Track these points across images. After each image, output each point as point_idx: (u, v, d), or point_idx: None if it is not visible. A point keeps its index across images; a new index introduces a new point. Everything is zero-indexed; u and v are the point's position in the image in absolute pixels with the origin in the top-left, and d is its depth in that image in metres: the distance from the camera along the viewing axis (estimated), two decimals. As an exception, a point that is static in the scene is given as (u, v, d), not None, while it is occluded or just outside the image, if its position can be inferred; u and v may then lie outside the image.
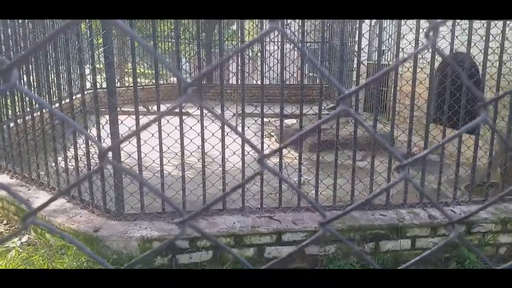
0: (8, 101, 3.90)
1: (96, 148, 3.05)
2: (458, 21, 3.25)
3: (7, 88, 0.58)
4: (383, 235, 3.02)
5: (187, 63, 12.13)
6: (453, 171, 3.35)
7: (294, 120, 6.56)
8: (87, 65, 3.43)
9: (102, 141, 2.98)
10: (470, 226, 3.15)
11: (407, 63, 4.83)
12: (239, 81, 3.16)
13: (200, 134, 2.96)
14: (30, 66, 3.66)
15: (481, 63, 3.20)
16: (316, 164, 3.17)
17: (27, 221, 0.65)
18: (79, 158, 3.15)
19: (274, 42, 11.04)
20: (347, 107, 0.64)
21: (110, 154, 0.62)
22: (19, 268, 2.59)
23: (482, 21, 3.41)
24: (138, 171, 2.96)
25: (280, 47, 3.12)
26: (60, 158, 3.35)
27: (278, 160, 3.13)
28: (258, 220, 3.00)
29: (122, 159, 2.98)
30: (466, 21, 3.27)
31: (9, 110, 3.93)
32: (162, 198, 0.72)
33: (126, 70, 11.97)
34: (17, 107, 3.79)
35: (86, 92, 3.18)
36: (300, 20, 3.58)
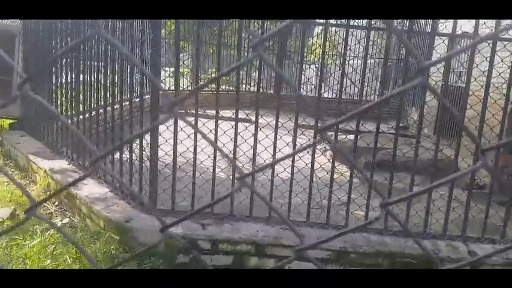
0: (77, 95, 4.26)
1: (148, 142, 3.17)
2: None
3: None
4: (414, 265, 2.81)
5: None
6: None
7: (351, 136, 6.39)
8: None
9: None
10: None
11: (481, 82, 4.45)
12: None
13: (233, 140, 3.01)
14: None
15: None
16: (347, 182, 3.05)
17: (29, 213, 0.72)
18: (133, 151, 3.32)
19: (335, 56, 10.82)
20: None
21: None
22: (40, 257, 2.80)
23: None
24: (172, 170, 3.08)
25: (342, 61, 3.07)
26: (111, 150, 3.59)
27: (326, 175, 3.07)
28: (282, 231, 2.96)
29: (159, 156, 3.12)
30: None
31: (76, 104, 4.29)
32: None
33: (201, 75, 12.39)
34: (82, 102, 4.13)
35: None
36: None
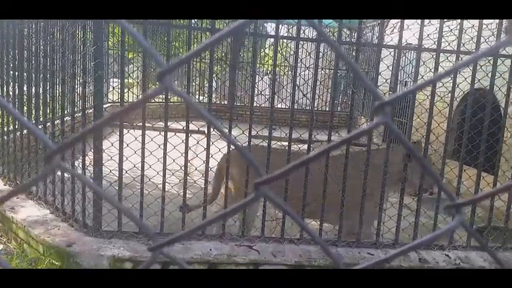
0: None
1: (91, 159, 2.98)
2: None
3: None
4: (369, 276, 2.80)
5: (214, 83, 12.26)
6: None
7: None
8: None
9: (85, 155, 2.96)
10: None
11: (427, 91, 4.60)
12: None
13: (184, 154, 2.89)
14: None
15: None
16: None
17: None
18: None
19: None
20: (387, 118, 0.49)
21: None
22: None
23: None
24: (118, 189, 2.90)
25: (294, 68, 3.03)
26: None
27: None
28: (236, 248, 2.85)
29: (104, 175, 2.93)
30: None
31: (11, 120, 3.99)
32: (131, 218, 0.62)
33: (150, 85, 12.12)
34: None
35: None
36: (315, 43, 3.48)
